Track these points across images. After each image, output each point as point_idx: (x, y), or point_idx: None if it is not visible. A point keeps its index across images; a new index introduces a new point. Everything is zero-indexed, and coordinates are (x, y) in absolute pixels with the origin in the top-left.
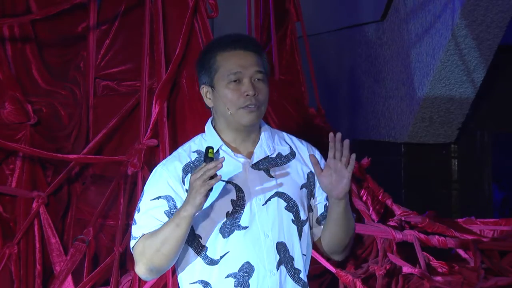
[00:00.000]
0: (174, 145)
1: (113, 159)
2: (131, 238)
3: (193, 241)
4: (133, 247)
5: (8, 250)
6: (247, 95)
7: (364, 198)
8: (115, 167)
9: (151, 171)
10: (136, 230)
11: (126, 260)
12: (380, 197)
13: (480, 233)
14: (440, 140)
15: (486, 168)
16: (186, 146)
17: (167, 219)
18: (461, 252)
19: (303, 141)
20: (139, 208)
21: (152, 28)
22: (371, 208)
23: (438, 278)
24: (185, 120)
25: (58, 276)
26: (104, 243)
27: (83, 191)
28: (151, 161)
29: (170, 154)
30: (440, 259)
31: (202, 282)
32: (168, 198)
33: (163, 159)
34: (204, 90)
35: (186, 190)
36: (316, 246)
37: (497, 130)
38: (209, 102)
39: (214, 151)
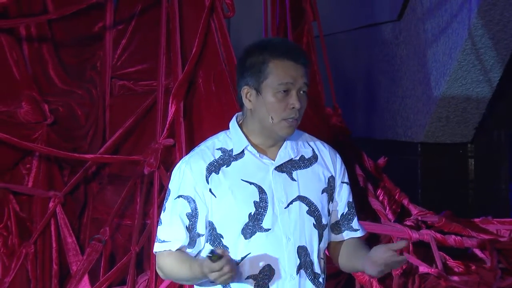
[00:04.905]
0: (191, 145)
1: (129, 159)
2: (156, 240)
3: (215, 241)
4: (156, 252)
5: (25, 250)
6: (293, 107)
7: (380, 198)
8: (132, 166)
9: (167, 171)
10: (161, 232)
11: (143, 260)
12: (396, 197)
13: (497, 232)
14: (456, 140)
15: (503, 167)
16: (209, 142)
17: (188, 221)
18: (477, 252)
19: (325, 144)
20: (165, 207)
21: (169, 28)
22: (387, 208)
23: (455, 278)
24: (201, 120)
25: (75, 275)
26: (120, 242)
27: (99, 190)
28: (167, 160)
29: (186, 154)
30: (456, 259)
31: None
32: (189, 199)
33: (180, 158)
34: (246, 90)
35: (210, 190)
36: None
37: None
38: (248, 104)
39: (238, 152)
